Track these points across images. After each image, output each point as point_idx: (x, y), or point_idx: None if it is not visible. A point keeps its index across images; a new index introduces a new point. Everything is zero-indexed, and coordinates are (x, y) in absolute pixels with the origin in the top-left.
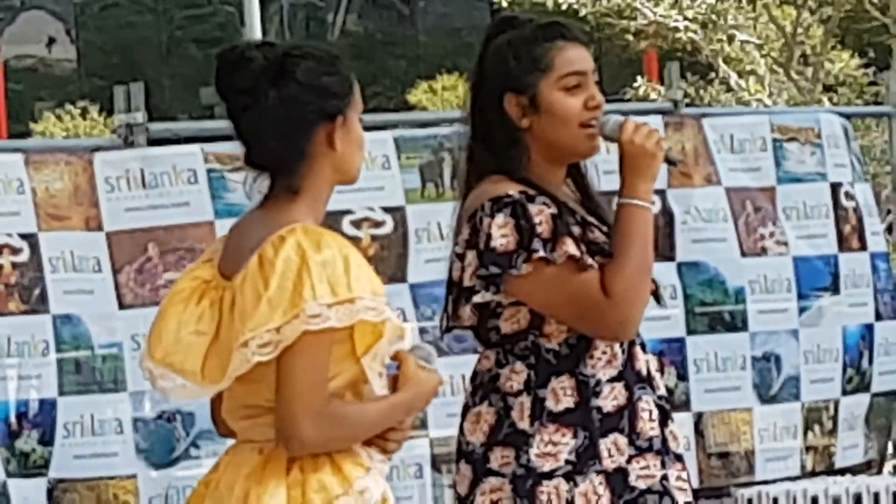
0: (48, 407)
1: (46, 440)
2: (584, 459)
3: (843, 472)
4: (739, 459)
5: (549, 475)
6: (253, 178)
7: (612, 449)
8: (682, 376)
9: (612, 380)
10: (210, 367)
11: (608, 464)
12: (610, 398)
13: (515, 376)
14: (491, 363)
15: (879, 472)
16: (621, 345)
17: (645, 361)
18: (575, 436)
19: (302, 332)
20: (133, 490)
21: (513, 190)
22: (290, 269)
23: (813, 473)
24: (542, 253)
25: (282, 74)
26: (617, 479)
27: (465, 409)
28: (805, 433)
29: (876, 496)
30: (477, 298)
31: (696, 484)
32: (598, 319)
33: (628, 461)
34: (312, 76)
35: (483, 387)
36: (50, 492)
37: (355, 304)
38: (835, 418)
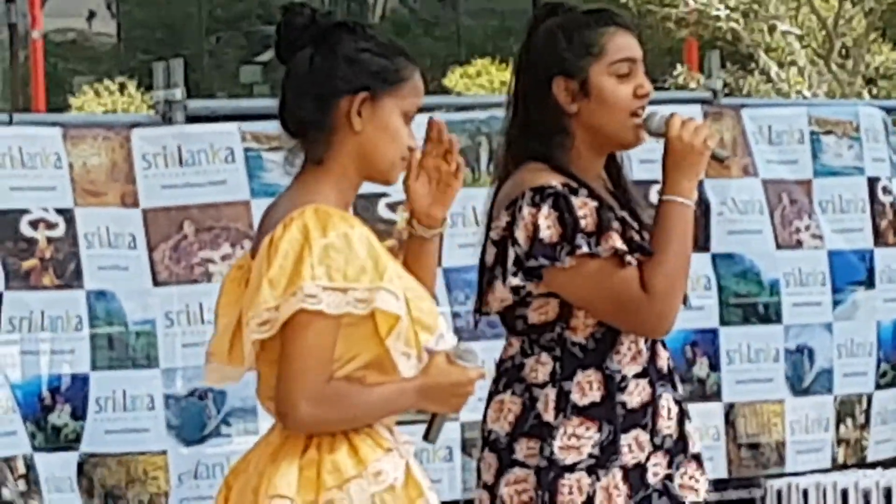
0: (80, 382)
1: (78, 415)
2: (608, 454)
3: (874, 465)
4: (770, 451)
5: (572, 468)
6: (290, 154)
7: (633, 445)
8: (715, 367)
9: (637, 375)
10: (236, 348)
11: (628, 459)
12: (635, 394)
13: (541, 367)
14: (516, 351)
15: None
16: (646, 341)
17: (666, 358)
18: (599, 430)
19: (298, 309)
20: (163, 466)
21: (555, 181)
22: (293, 250)
23: (844, 466)
24: (585, 248)
25: (322, 39)
26: (635, 476)
27: (489, 397)
28: (837, 426)
29: None
30: (508, 283)
31: (725, 474)
32: (636, 315)
33: (647, 458)
34: (352, 49)
35: (507, 374)
36: (80, 466)
37: (347, 294)
38: (867, 412)
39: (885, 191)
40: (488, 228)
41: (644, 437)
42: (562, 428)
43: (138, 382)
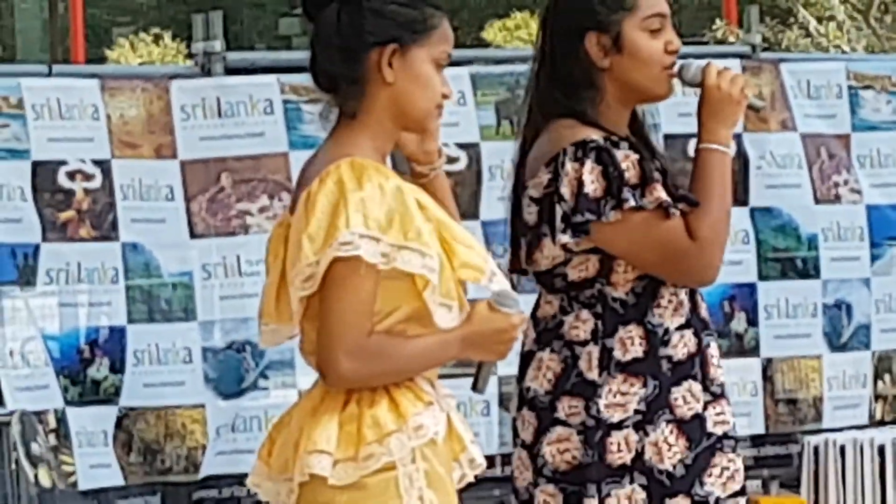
0: (118, 335)
1: (117, 368)
2: (654, 409)
3: None
4: (807, 407)
5: (619, 426)
6: (326, 108)
7: (688, 396)
8: (753, 322)
9: (680, 327)
10: (282, 306)
11: (684, 412)
12: (680, 346)
13: (582, 325)
14: (555, 309)
15: None
16: (686, 292)
17: (705, 308)
18: (644, 385)
19: (333, 258)
20: (201, 419)
21: (595, 135)
22: (329, 203)
23: (882, 423)
24: (632, 202)
25: None
26: (694, 427)
27: (527, 356)
28: (875, 382)
29: None
30: (557, 241)
31: (762, 430)
32: (684, 264)
33: (704, 408)
34: (377, 1)
35: (546, 333)
36: (119, 420)
37: (378, 244)
38: None
39: None
40: (519, 184)
41: (697, 387)
42: (606, 386)
43: (175, 335)
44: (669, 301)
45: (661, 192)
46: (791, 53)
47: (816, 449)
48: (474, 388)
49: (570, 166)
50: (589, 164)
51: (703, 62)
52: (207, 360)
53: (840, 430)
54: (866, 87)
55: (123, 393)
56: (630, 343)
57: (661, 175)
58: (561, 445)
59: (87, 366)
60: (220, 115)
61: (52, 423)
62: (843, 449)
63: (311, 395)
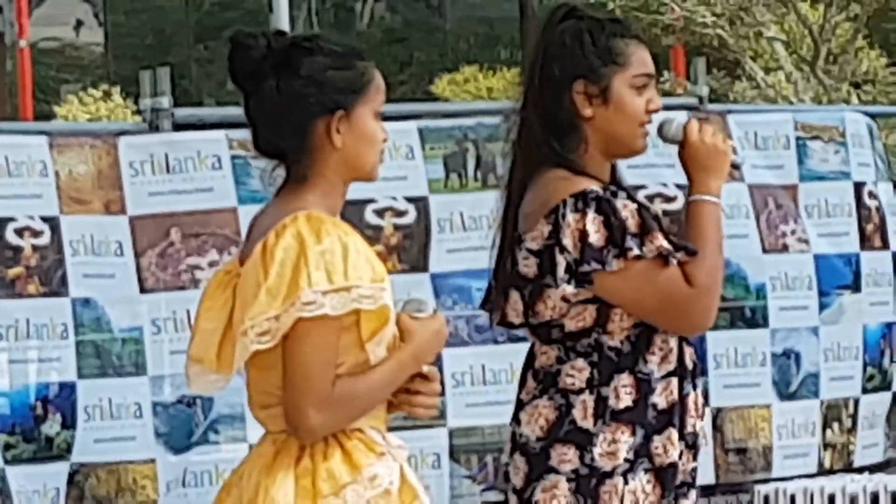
0: (68, 390)
1: (68, 424)
2: (638, 457)
3: (861, 470)
4: (757, 456)
5: (611, 474)
6: (271, 168)
7: (667, 444)
8: (702, 371)
9: (666, 375)
10: (225, 354)
11: (662, 460)
12: (664, 394)
13: (577, 373)
14: (552, 360)
15: None
16: (676, 340)
17: (690, 355)
18: (633, 433)
19: (297, 319)
20: (151, 475)
21: (593, 185)
22: (289, 258)
23: (831, 471)
24: (636, 251)
25: (285, 64)
26: (668, 475)
27: (521, 403)
28: (824, 430)
29: (893, 496)
30: (560, 292)
31: (712, 479)
32: (684, 311)
33: (680, 456)
34: (316, 69)
35: (543, 382)
36: (71, 476)
37: (350, 292)
38: (854, 416)
39: (871, 195)
40: (507, 236)
41: (675, 435)
42: (601, 434)
43: (126, 390)
44: (660, 349)
45: (661, 241)
46: (738, 105)
47: (767, 498)
48: None
49: (571, 217)
50: (591, 214)
51: (683, 119)
52: (158, 414)
53: (790, 479)
54: (814, 138)
55: (75, 449)
56: (624, 392)
57: (658, 224)
58: (552, 493)
59: (40, 422)
60: (168, 170)
61: None
62: (793, 498)
63: (261, 451)
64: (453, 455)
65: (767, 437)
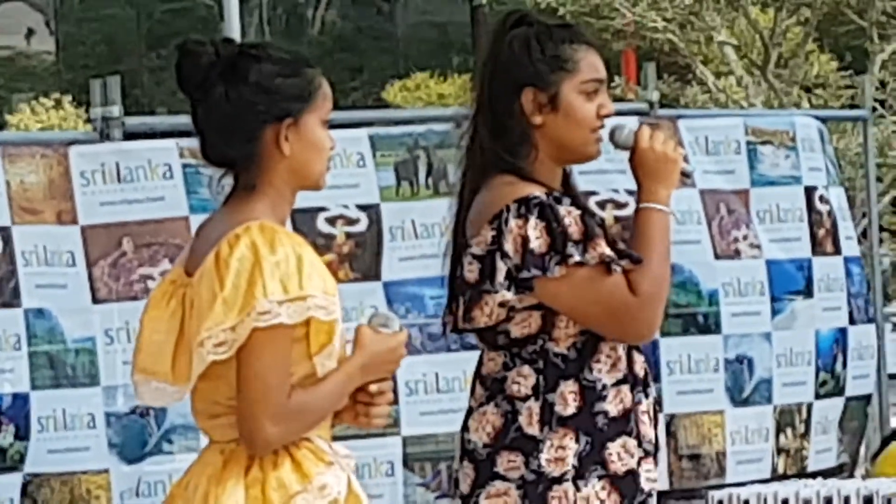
0: (21, 401)
1: (22, 434)
2: (587, 464)
3: (814, 475)
4: (710, 461)
5: (559, 480)
6: (219, 177)
7: (622, 452)
8: (655, 378)
9: (616, 383)
10: (179, 366)
11: (618, 467)
12: (616, 401)
13: (523, 380)
14: (498, 366)
15: (851, 475)
16: (624, 347)
17: (641, 364)
18: (577, 440)
19: (252, 329)
20: (105, 485)
21: (537, 191)
22: (244, 268)
23: (784, 476)
24: (577, 257)
25: (233, 72)
26: (627, 482)
27: (470, 410)
28: (777, 436)
29: (846, 500)
30: (499, 298)
31: (666, 486)
32: (627, 320)
33: (638, 463)
34: (264, 77)
35: (490, 389)
36: (24, 487)
37: (306, 301)
38: (807, 422)
39: (822, 200)
40: (459, 243)
41: (632, 443)
42: (548, 441)
43: (79, 401)
44: (608, 356)
45: (604, 248)
46: (689, 110)
47: (721, 503)
48: None
49: (513, 223)
50: (533, 220)
51: (634, 125)
52: (111, 425)
53: (743, 484)
54: (765, 143)
55: (28, 459)
56: (572, 398)
57: (602, 231)
58: (499, 500)
59: None
60: (119, 179)
61: None
62: (746, 503)
63: (207, 460)
64: (407, 463)
65: (721, 442)
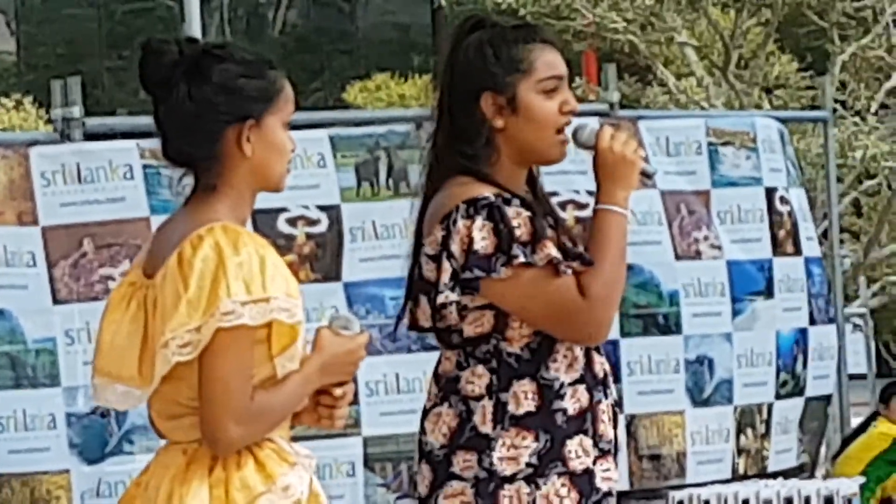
0: None
1: None
2: (546, 462)
3: (775, 475)
4: (671, 462)
5: (511, 479)
6: (179, 177)
7: (579, 450)
8: (615, 378)
9: (574, 382)
10: (146, 369)
11: (575, 465)
12: (573, 401)
13: (477, 380)
14: (452, 365)
15: (812, 476)
16: (581, 347)
17: (601, 364)
18: (536, 439)
19: (216, 329)
20: (65, 485)
21: (487, 191)
22: (208, 269)
23: (745, 477)
24: (522, 258)
25: (196, 72)
26: (584, 480)
27: (426, 411)
28: (737, 436)
29: (807, 500)
30: (440, 299)
31: (626, 486)
32: (574, 322)
33: (594, 462)
34: (227, 77)
35: (444, 388)
36: None
37: (269, 303)
38: (768, 422)
39: (783, 201)
40: (419, 243)
41: (588, 442)
42: (500, 439)
43: (40, 401)
44: (565, 356)
45: (551, 250)
46: (649, 111)
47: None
48: None
49: (461, 223)
50: (479, 220)
51: (596, 125)
52: (72, 425)
53: (704, 484)
54: (725, 144)
55: None
56: (524, 397)
57: (553, 232)
58: (455, 500)
59: None
60: (80, 180)
61: None
62: (707, 503)
63: (168, 461)
64: (368, 463)
65: (681, 443)
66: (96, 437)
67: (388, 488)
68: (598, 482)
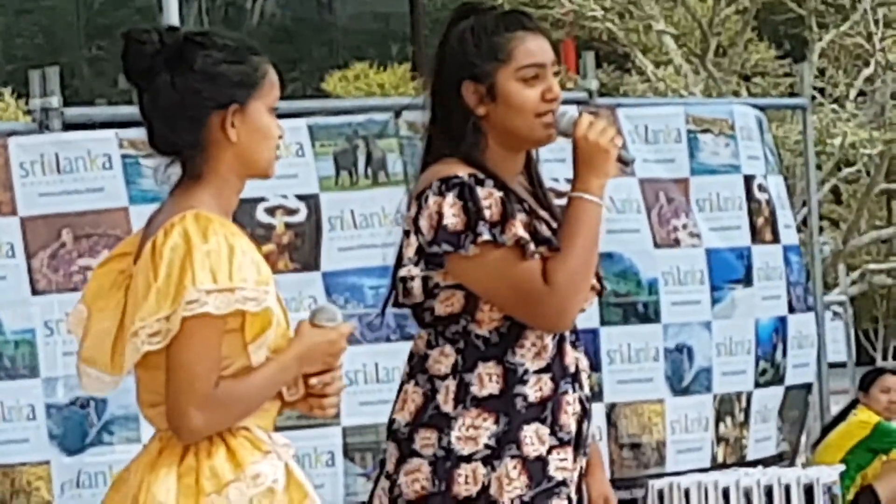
0: None
1: None
2: (503, 444)
3: (754, 464)
4: (651, 450)
5: (468, 458)
6: (164, 165)
7: (534, 437)
8: (595, 367)
9: (539, 371)
10: (118, 357)
11: (529, 451)
12: (535, 388)
13: (444, 359)
14: (423, 344)
15: (791, 464)
16: (553, 337)
17: (574, 358)
18: (497, 422)
19: (182, 318)
20: (46, 476)
21: (462, 172)
22: (177, 257)
23: (724, 465)
24: (486, 236)
25: (178, 59)
26: (536, 467)
27: (398, 389)
28: (717, 425)
29: (787, 488)
30: (402, 272)
31: (607, 475)
32: (536, 307)
33: (549, 451)
34: (209, 64)
35: (414, 367)
36: None
37: (234, 293)
38: (747, 410)
39: (761, 188)
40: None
41: (544, 430)
42: (460, 419)
43: (19, 392)
44: (533, 344)
45: (518, 230)
46: (628, 98)
47: (661, 493)
48: None
49: (432, 200)
50: (451, 197)
51: (575, 113)
52: (51, 416)
53: (683, 473)
54: (704, 131)
55: None
56: (488, 379)
57: (527, 217)
58: (412, 476)
59: None
60: (58, 170)
61: None
62: (687, 492)
63: (148, 448)
64: (347, 453)
65: (661, 431)
66: (76, 428)
67: (368, 478)
68: (552, 471)
